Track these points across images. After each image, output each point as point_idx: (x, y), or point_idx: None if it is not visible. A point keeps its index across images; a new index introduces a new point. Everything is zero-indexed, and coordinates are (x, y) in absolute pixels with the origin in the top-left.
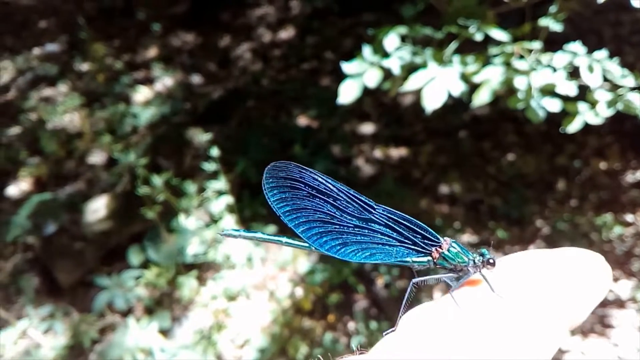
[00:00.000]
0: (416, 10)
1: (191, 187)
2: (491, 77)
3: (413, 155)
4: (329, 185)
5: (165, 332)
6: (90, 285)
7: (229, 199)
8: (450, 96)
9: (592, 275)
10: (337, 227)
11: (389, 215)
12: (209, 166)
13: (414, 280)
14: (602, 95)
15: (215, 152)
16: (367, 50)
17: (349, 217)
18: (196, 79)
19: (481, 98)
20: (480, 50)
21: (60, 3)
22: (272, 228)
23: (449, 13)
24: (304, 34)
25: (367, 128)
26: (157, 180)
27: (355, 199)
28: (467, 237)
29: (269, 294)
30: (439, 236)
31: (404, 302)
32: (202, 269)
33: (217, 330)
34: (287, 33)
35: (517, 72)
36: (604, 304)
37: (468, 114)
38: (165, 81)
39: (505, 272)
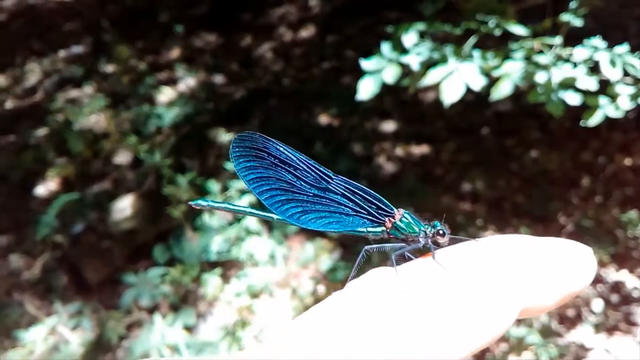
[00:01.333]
0: (436, 8)
1: (214, 186)
2: (511, 71)
3: (435, 153)
4: (290, 155)
5: (190, 329)
6: (118, 283)
7: (251, 198)
8: (471, 93)
9: (568, 262)
10: (298, 195)
11: (345, 185)
12: (232, 165)
13: (365, 247)
14: (624, 89)
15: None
16: (385, 46)
17: (308, 187)
18: (218, 79)
19: (501, 91)
20: (500, 46)
21: (84, 6)
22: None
23: (468, 10)
24: (325, 33)
25: (388, 126)
26: (182, 180)
27: (314, 169)
28: (490, 235)
29: (292, 292)
30: (392, 207)
31: (354, 268)
32: (226, 266)
33: (241, 326)
34: (307, 32)
35: (538, 66)
36: (629, 301)
37: (490, 111)
38: (188, 82)
39: (478, 249)
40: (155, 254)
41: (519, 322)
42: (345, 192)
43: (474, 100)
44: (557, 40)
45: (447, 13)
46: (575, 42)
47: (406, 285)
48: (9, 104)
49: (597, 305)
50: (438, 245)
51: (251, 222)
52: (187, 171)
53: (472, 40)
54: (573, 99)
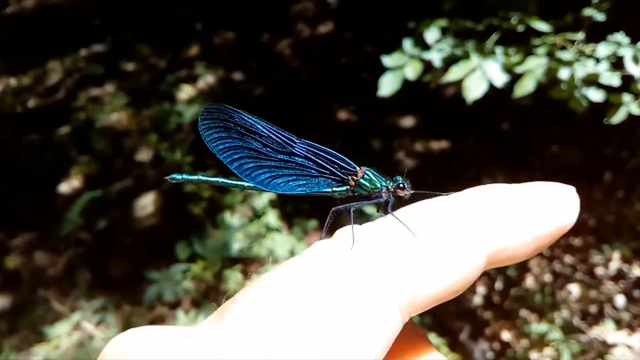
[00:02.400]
0: (457, 3)
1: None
2: (534, 68)
3: (454, 148)
4: (254, 122)
5: None
6: (140, 279)
7: (271, 195)
8: (492, 87)
9: (542, 203)
10: (265, 161)
11: (308, 147)
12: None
13: (333, 208)
14: None
15: None
16: (407, 43)
17: (274, 152)
18: (237, 76)
19: (524, 88)
20: (522, 42)
21: (105, 5)
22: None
23: (490, 5)
24: (343, 28)
25: (408, 121)
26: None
27: (278, 134)
28: None
29: None
30: (355, 165)
31: (323, 229)
32: (247, 263)
33: None
34: (325, 28)
35: (560, 62)
36: None
37: (511, 105)
38: (208, 79)
39: (446, 201)
40: (177, 250)
41: (540, 318)
42: (308, 155)
43: (494, 95)
44: (580, 35)
45: (467, 8)
46: (598, 37)
47: (360, 240)
48: (32, 103)
49: (620, 301)
50: (400, 199)
51: (271, 219)
52: (207, 169)
53: (495, 36)
54: (596, 95)
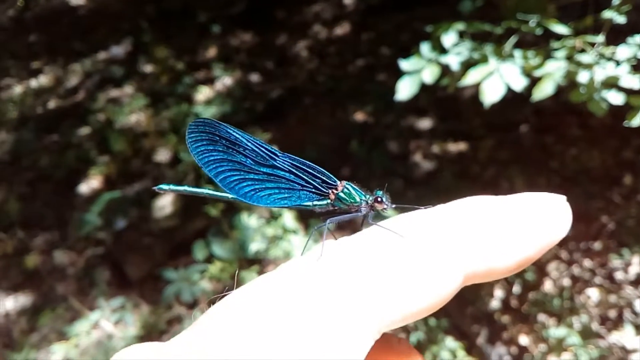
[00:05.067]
0: (474, 6)
1: None
2: (553, 71)
3: (472, 150)
4: (238, 136)
5: None
6: (158, 279)
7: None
8: (510, 90)
9: (530, 216)
10: (249, 174)
11: (291, 161)
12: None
13: (315, 228)
14: None
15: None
16: (425, 47)
17: (258, 165)
18: (254, 77)
19: (543, 91)
20: (540, 44)
21: (123, 7)
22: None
23: (507, 8)
24: (359, 30)
25: (425, 123)
26: None
27: (261, 148)
28: None
29: None
30: (336, 179)
31: (304, 248)
32: (264, 264)
33: None
34: (342, 29)
35: (580, 65)
36: None
37: (529, 108)
38: (225, 81)
39: (425, 215)
40: (194, 250)
41: (558, 322)
42: (291, 169)
43: (512, 97)
44: (600, 38)
45: (485, 11)
46: (618, 39)
47: (331, 254)
48: (52, 104)
49: (639, 306)
50: (379, 213)
51: (288, 221)
52: None
53: (513, 39)
54: (616, 98)
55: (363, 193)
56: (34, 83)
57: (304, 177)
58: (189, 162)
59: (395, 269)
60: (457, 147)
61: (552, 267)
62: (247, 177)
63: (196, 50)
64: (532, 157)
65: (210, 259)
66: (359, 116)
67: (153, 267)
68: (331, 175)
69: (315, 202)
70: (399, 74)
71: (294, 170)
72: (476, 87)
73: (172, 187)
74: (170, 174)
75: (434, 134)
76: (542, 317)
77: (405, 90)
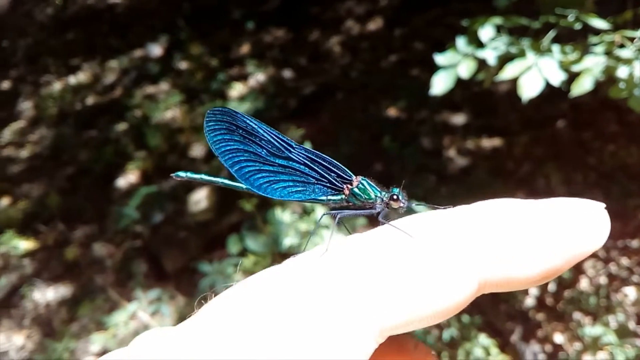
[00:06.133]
0: (510, 1)
1: None
2: (592, 66)
3: (507, 146)
4: (255, 126)
5: None
6: (194, 271)
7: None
8: (547, 84)
9: (561, 224)
10: (264, 166)
11: (306, 154)
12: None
13: (324, 213)
14: None
15: (307, 146)
16: (460, 41)
17: (273, 157)
18: (287, 73)
19: (581, 87)
20: (578, 39)
21: (159, 5)
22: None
23: (545, 2)
24: (392, 25)
25: (459, 118)
26: None
27: (277, 139)
28: None
29: None
30: (352, 174)
31: (311, 233)
32: None
33: None
34: (375, 24)
35: (619, 60)
36: None
37: (566, 103)
38: (259, 77)
39: (447, 216)
40: (229, 244)
41: (594, 321)
42: (306, 161)
43: (549, 92)
44: (639, 33)
45: (520, 5)
46: None
47: (337, 250)
48: (90, 100)
49: None
50: (395, 211)
51: (320, 216)
52: None
53: (551, 34)
54: None
55: (379, 190)
56: (72, 80)
57: (319, 170)
58: None
59: (402, 271)
60: (491, 142)
61: (589, 265)
62: (262, 168)
63: (230, 47)
64: (569, 154)
65: (244, 252)
66: (392, 112)
67: (188, 260)
68: (346, 170)
69: (329, 197)
70: (432, 69)
71: (308, 163)
72: (512, 81)
73: (189, 174)
74: (204, 169)
75: (468, 129)
76: (577, 315)
77: (440, 84)
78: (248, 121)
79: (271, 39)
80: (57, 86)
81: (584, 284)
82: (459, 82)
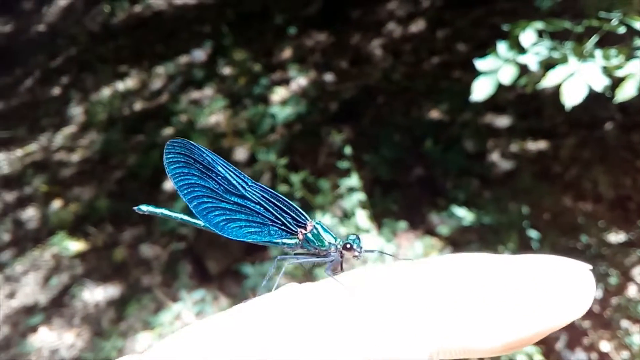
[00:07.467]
0: (554, 2)
1: (325, 184)
2: (636, 71)
3: (553, 149)
4: (211, 160)
5: None
6: (236, 273)
7: (361, 196)
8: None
9: (534, 290)
10: (221, 203)
11: (261, 193)
12: (343, 164)
13: (277, 257)
14: None
15: (348, 150)
16: (501, 46)
17: (229, 194)
18: (329, 77)
19: (625, 92)
20: (623, 43)
21: (203, 12)
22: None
23: (588, 5)
24: (435, 27)
25: (503, 121)
26: (295, 178)
27: (233, 175)
28: (613, 237)
29: None
30: (307, 217)
31: (265, 278)
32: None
33: None
34: (417, 27)
35: None
36: None
37: (615, 105)
38: (300, 81)
39: (404, 271)
40: (270, 247)
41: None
42: (261, 201)
43: (596, 93)
44: None
45: (564, 5)
46: None
47: (267, 304)
48: (138, 106)
49: None
50: (346, 261)
51: (361, 220)
52: (299, 169)
53: (595, 38)
54: None
55: (334, 236)
56: (121, 86)
57: (273, 211)
58: (265, 161)
59: (332, 332)
60: (537, 145)
61: (637, 272)
62: (219, 205)
63: (272, 52)
64: (617, 157)
65: None
66: (434, 114)
67: (231, 262)
68: (302, 212)
69: (284, 240)
70: (475, 71)
71: (263, 203)
72: (559, 88)
73: (150, 208)
74: (247, 173)
75: (512, 132)
76: (625, 323)
77: (481, 90)
78: (205, 155)
79: (312, 43)
80: (106, 92)
81: (632, 290)
82: (503, 85)
